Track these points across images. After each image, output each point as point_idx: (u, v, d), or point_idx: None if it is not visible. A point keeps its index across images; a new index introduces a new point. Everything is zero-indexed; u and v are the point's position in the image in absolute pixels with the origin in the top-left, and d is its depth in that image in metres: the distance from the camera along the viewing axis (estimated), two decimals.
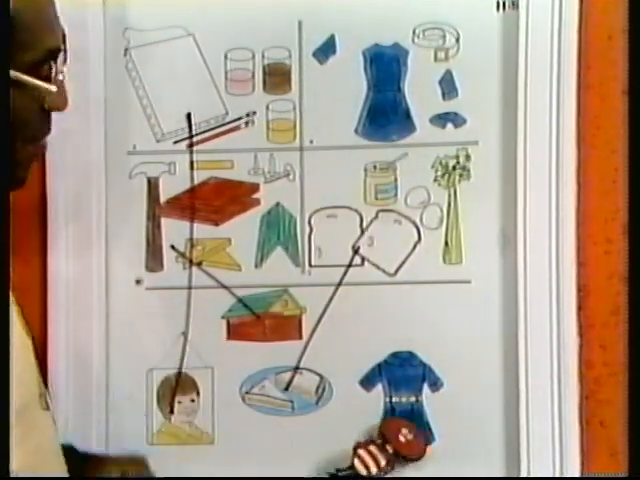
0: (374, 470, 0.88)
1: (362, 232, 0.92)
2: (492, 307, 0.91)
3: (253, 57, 0.93)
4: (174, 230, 0.93)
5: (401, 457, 0.89)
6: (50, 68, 0.64)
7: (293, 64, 0.92)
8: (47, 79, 0.64)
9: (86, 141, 0.91)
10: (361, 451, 0.89)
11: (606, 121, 0.89)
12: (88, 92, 0.91)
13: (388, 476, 0.91)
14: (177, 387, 0.94)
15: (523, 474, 0.89)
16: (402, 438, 0.89)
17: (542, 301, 0.89)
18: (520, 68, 0.88)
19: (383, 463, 0.88)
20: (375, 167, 0.92)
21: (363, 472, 0.88)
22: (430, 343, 0.92)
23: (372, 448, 0.89)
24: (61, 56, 0.65)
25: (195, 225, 0.93)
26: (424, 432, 0.91)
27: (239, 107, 0.93)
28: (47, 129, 0.68)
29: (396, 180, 0.92)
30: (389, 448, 0.89)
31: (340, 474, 0.89)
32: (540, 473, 0.89)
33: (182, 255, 0.93)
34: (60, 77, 0.65)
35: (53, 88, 0.64)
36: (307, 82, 0.92)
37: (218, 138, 0.93)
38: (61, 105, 0.66)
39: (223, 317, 0.93)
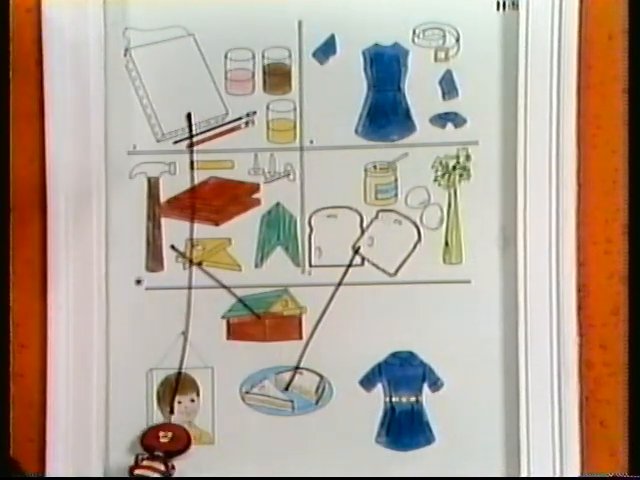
0: (157, 476, 0.89)
1: (362, 232, 0.92)
2: (492, 307, 0.91)
3: (253, 57, 0.93)
4: (174, 230, 0.93)
5: (173, 453, 0.91)
6: None
7: (293, 64, 0.92)
8: None
9: (86, 141, 0.91)
10: (137, 471, 0.90)
11: (606, 121, 0.89)
12: (88, 92, 0.91)
13: (385, 476, 0.91)
14: (177, 387, 0.94)
15: (523, 474, 0.89)
16: (164, 439, 0.91)
17: (542, 301, 0.89)
18: (520, 68, 0.88)
19: (162, 468, 0.89)
20: (375, 167, 0.92)
21: None
22: (430, 343, 0.92)
23: (145, 462, 0.90)
24: None
25: (195, 225, 0.93)
26: (180, 427, 0.92)
27: (239, 107, 0.93)
28: None
29: (396, 180, 0.92)
30: (158, 453, 0.90)
31: None
32: (540, 473, 0.89)
33: (182, 255, 0.93)
34: None
35: None
36: (307, 82, 0.92)
37: (218, 138, 0.93)
38: None
39: (223, 317, 0.93)
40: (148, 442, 0.91)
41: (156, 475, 0.89)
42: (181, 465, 0.92)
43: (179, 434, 0.92)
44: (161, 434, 0.92)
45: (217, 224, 0.94)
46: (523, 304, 0.89)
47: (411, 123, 0.92)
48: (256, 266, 0.93)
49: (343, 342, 0.92)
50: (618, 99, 0.88)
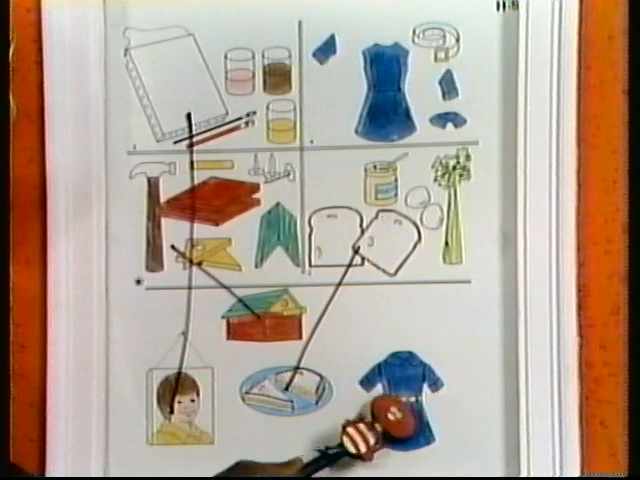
0: (363, 449, 0.87)
1: (362, 232, 0.92)
2: (492, 307, 0.91)
3: (253, 57, 0.93)
4: (174, 230, 0.93)
5: (390, 436, 0.89)
6: None
7: (293, 64, 0.92)
8: None
9: (86, 141, 0.91)
10: (350, 429, 0.88)
11: (606, 121, 0.89)
12: (88, 92, 0.91)
13: (385, 476, 0.91)
14: (177, 387, 0.94)
15: (523, 474, 0.89)
16: (391, 417, 0.89)
17: (542, 301, 0.89)
18: (520, 68, 0.88)
19: (372, 442, 0.88)
20: (375, 167, 0.92)
21: (352, 450, 0.88)
22: (430, 343, 0.92)
23: (361, 426, 0.88)
24: None
25: (195, 225, 0.93)
26: (414, 410, 0.91)
27: (239, 107, 0.93)
28: None
29: (396, 180, 0.92)
30: (378, 427, 0.89)
31: (329, 452, 0.88)
32: (540, 473, 0.89)
33: (182, 255, 0.93)
34: None
35: None
36: (307, 82, 0.92)
37: (218, 138, 0.93)
38: None
39: (223, 317, 0.93)
40: (377, 410, 0.89)
41: (362, 446, 0.87)
42: (181, 465, 0.92)
43: (406, 421, 0.89)
44: (392, 409, 0.89)
45: (217, 224, 0.94)
46: (523, 304, 0.89)
47: (411, 123, 0.92)
48: (256, 266, 0.93)
49: (343, 342, 0.92)
50: (618, 99, 0.88)
